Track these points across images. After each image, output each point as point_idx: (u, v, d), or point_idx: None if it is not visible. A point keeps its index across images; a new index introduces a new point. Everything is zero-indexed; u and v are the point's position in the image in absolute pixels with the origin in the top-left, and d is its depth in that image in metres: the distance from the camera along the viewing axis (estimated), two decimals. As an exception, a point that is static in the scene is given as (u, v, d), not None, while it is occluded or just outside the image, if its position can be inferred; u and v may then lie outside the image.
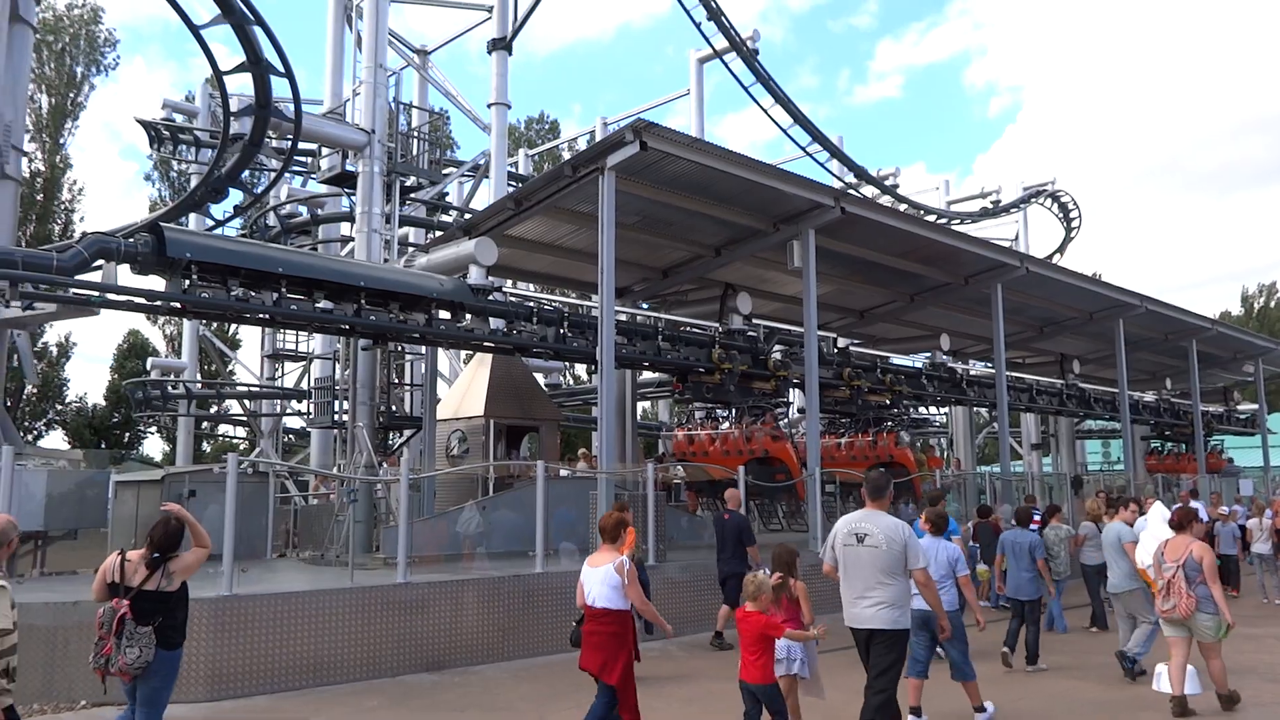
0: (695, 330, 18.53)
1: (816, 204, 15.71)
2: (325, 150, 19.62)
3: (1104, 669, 10.33)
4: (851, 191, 28.43)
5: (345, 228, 24.63)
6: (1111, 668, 10.20)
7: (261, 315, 13.26)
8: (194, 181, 25.72)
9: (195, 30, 14.23)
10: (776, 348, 18.55)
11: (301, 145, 19.55)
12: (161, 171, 46.38)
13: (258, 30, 14.32)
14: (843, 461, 20.89)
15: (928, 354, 24.96)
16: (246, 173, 19.67)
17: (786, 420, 25.56)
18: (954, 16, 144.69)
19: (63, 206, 40.91)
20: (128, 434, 44.22)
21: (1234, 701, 8.38)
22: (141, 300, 12.42)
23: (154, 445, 48.05)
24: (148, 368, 34.60)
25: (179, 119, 30.73)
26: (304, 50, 71.73)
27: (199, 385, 32.30)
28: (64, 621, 9.12)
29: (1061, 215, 41.72)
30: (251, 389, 31.41)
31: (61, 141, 40.59)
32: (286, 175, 25.45)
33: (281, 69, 15.14)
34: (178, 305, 12.57)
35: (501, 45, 23.07)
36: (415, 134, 22.40)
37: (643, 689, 7.13)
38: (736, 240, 17.52)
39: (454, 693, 9.43)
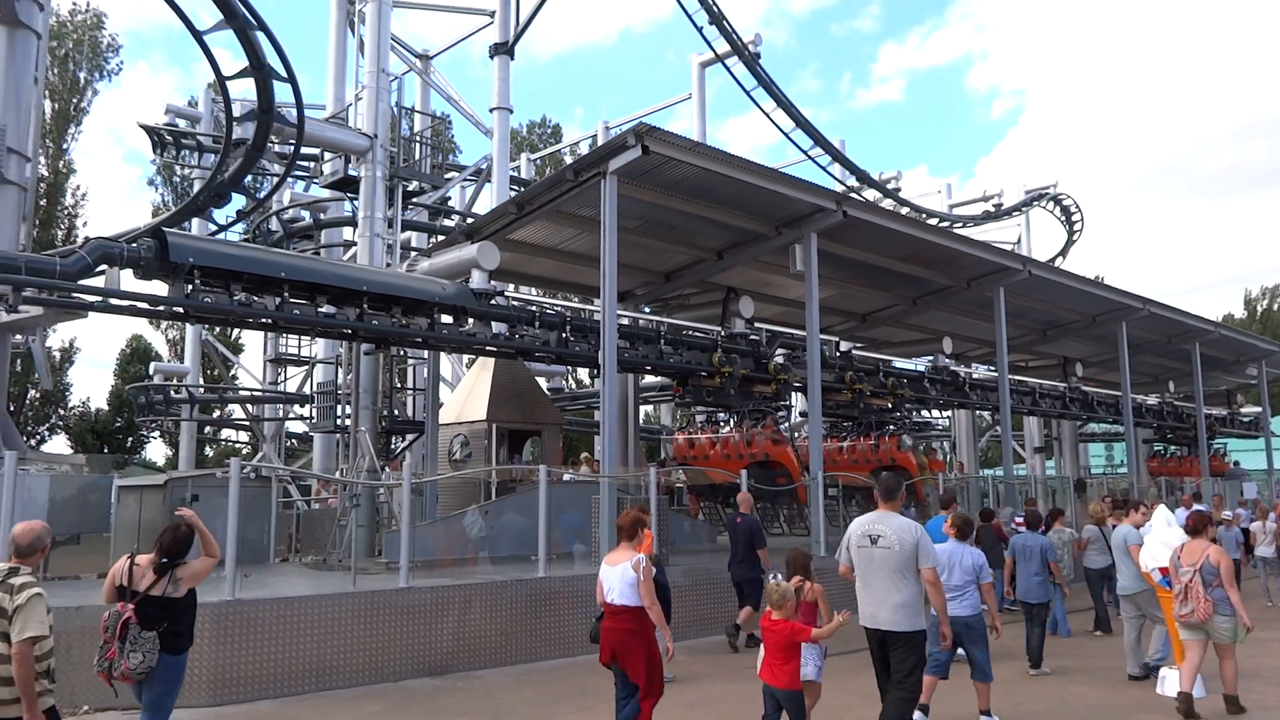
0: (697, 334, 18.53)
1: (818, 208, 15.72)
2: (328, 155, 19.65)
3: (1107, 672, 10.31)
4: (853, 195, 28.44)
5: (348, 232, 24.67)
6: (1115, 671, 10.19)
7: (264, 320, 13.29)
8: (197, 186, 25.75)
9: (198, 35, 14.27)
10: (779, 351, 18.54)
11: (304, 150, 19.57)
12: (164, 176, 46.44)
13: (260, 35, 14.35)
14: (844, 465, 20.87)
15: (930, 357, 24.94)
16: (249, 177, 19.71)
17: (788, 424, 25.53)
18: (956, 20, 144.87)
19: (66, 211, 40.98)
20: (130, 439, 44.21)
21: (1240, 707, 8.36)
22: (144, 305, 12.45)
23: (157, 450, 48.10)
24: (150, 372, 34.59)
25: (182, 124, 30.73)
26: (306, 55, 71.99)
27: (201, 390, 32.30)
28: (67, 626, 9.09)
29: (1064, 218, 41.68)
30: (254, 394, 31.39)
31: (65, 147, 40.69)
32: (289, 180, 25.48)
33: (284, 74, 15.17)
34: (180, 310, 12.60)
35: (503, 50, 23.11)
36: (417, 138, 22.44)
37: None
38: (739, 244, 17.53)
39: (456, 697, 9.42)
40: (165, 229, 12.45)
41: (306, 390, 29.04)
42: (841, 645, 7.49)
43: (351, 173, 19.40)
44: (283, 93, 15.82)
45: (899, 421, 23.12)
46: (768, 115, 29.23)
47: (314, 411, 22.92)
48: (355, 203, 20.47)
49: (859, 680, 7.67)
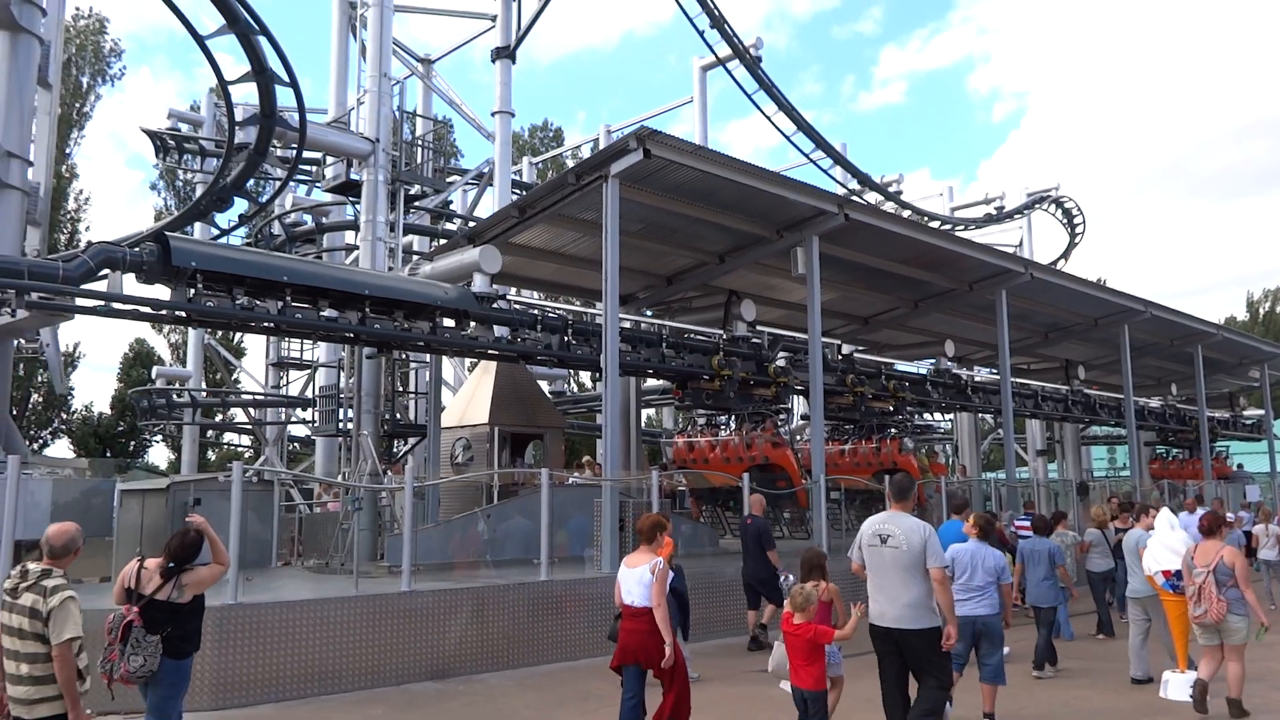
0: (699, 337, 18.54)
1: (820, 211, 15.73)
2: (330, 159, 19.71)
3: (1110, 676, 10.30)
4: (855, 198, 28.43)
5: (350, 236, 24.70)
6: (1118, 674, 10.18)
7: (266, 324, 13.31)
8: (199, 191, 25.84)
9: (200, 40, 14.27)
10: (780, 354, 18.54)
11: (306, 154, 19.57)
12: (167, 181, 46.50)
13: (262, 40, 14.35)
14: (846, 468, 20.86)
15: (932, 360, 24.94)
16: (251, 182, 19.72)
17: (788, 428, 25.53)
18: (957, 23, 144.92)
19: (68, 216, 41.03)
20: (133, 443, 44.23)
21: (1243, 711, 8.36)
22: (147, 309, 12.46)
23: (159, 454, 48.14)
24: (153, 376, 34.64)
25: (184, 128, 30.77)
26: (309, 60, 72.10)
27: (204, 394, 32.30)
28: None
29: (1066, 221, 41.66)
30: (256, 397, 31.41)
31: (67, 151, 40.75)
32: (291, 184, 25.53)
33: (286, 78, 15.17)
34: (183, 314, 12.62)
35: (505, 54, 23.15)
36: (419, 142, 22.47)
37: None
38: (740, 247, 17.54)
39: (458, 701, 9.42)
40: (168, 233, 12.48)
41: (309, 394, 29.07)
42: (847, 647, 7.50)
43: (353, 177, 19.44)
44: (285, 97, 15.81)
45: (901, 424, 23.12)
46: (769, 118, 29.25)
47: (316, 415, 22.94)
48: (357, 207, 20.50)
49: (861, 685, 7.66)
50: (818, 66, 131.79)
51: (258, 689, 9.07)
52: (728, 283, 19.00)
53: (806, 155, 31.15)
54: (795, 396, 24.78)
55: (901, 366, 25.40)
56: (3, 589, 5.36)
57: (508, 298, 16.81)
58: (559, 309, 18.76)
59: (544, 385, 26.41)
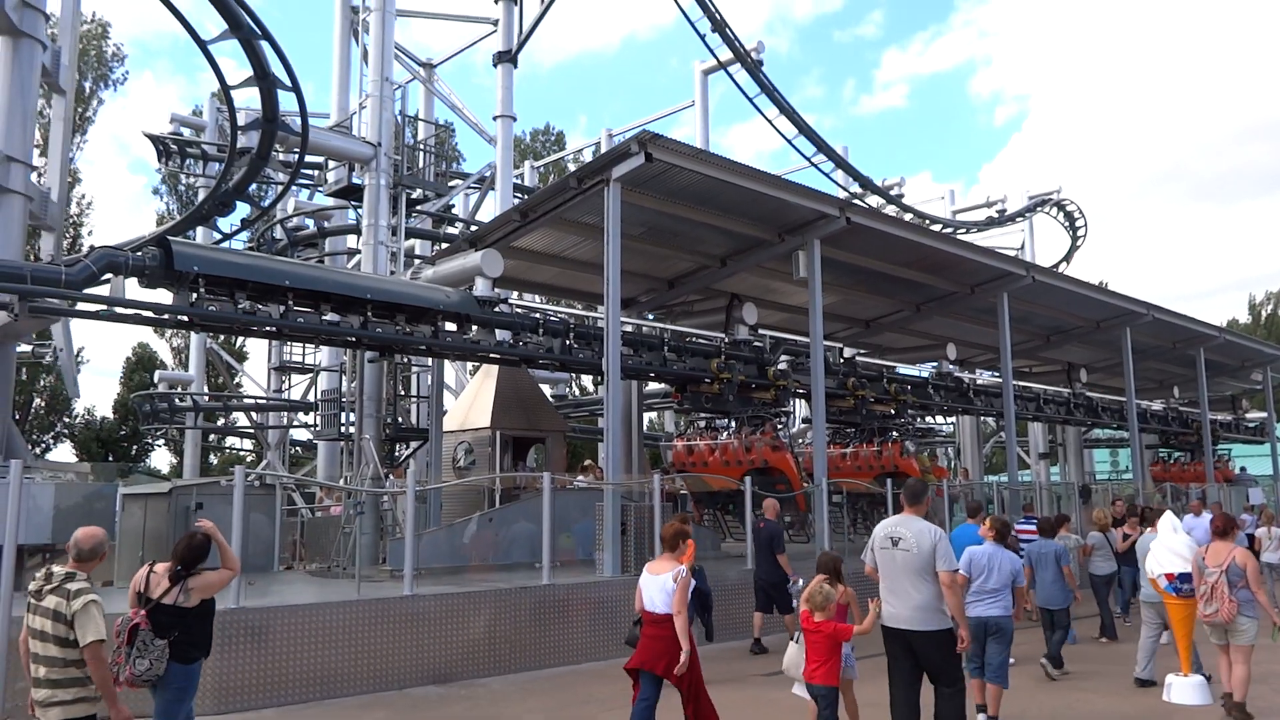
0: (701, 341, 18.54)
1: (822, 214, 15.73)
2: (332, 163, 19.72)
3: (1113, 679, 10.27)
4: (857, 201, 28.43)
5: (352, 240, 24.73)
6: (1121, 678, 10.16)
7: (268, 328, 13.31)
8: (201, 195, 25.87)
9: (203, 45, 14.32)
10: (782, 358, 18.53)
11: (308, 158, 19.63)
12: (169, 185, 46.59)
13: (265, 45, 14.40)
14: (847, 472, 20.85)
15: (934, 363, 24.92)
16: (254, 186, 19.77)
17: (787, 431, 25.50)
18: (959, 26, 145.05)
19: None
20: (135, 447, 44.28)
21: (1246, 714, 8.35)
22: (149, 313, 12.49)
23: (161, 458, 48.19)
24: (155, 380, 34.69)
25: (187, 133, 30.85)
26: (311, 64, 72.20)
27: (206, 398, 32.35)
28: (72, 635, 9.11)
29: (1067, 224, 41.66)
30: (258, 401, 31.44)
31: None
32: (293, 188, 25.57)
33: (288, 83, 15.22)
34: (185, 318, 12.64)
35: (507, 58, 23.19)
36: (421, 147, 22.50)
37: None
38: (742, 251, 17.54)
39: (461, 705, 9.41)
40: (170, 237, 12.51)
41: (311, 398, 29.09)
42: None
43: (355, 181, 19.45)
44: (287, 101, 15.87)
45: (902, 428, 23.11)
46: (770, 122, 29.30)
47: (318, 419, 22.97)
48: (359, 211, 20.53)
49: (867, 688, 7.65)
50: (819, 70, 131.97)
51: (260, 693, 9.07)
52: (729, 286, 19.00)
53: (808, 159, 31.18)
54: (796, 400, 24.74)
55: (903, 370, 25.38)
56: (28, 591, 5.48)
57: (509, 302, 16.80)
58: (561, 313, 18.78)
59: (546, 389, 26.43)
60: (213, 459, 42.96)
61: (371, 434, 16.64)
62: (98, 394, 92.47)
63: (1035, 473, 37.67)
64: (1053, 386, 28.87)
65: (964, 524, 12.15)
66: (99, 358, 64.02)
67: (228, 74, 15.47)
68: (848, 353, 23.37)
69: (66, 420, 42.84)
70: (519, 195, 27.28)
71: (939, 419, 35.30)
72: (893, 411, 22.00)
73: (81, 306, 12.68)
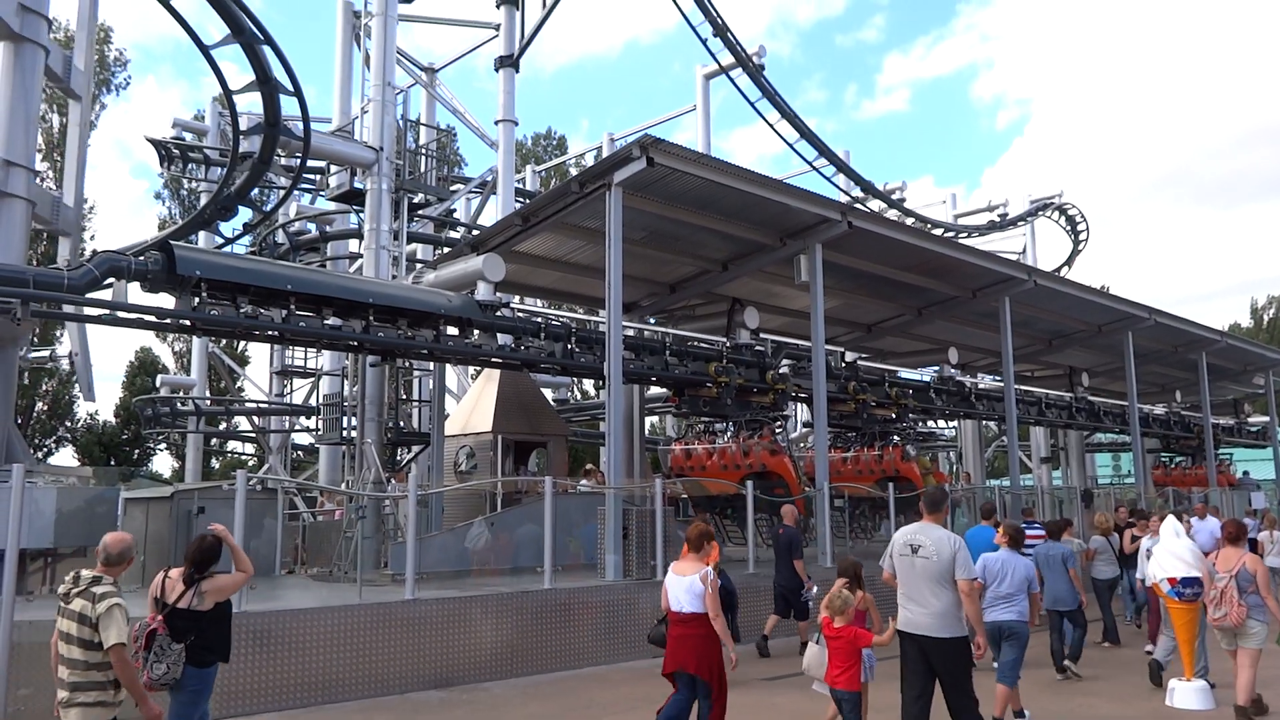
0: (702, 345, 18.53)
1: (823, 218, 15.74)
2: (334, 168, 19.79)
3: (1117, 684, 10.26)
4: (858, 206, 28.46)
5: (354, 245, 24.75)
6: (1123, 682, 10.15)
7: (270, 332, 13.33)
8: (204, 199, 25.86)
9: (205, 50, 14.36)
10: (784, 362, 18.51)
11: (310, 163, 19.68)
12: (171, 190, 46.69)
13: (267, 50, 14.44)
14: (848, 476, 20.80)
15: (936, 367, 24.91)
16: (256, 190, 19.79)
17: (785, 435, 25.47)
18: (961, 30, 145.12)
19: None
20: (137, 451, 44.33)
21: (1249, 718, 8.36)
22: (151, 318, 12.50)
23: (163, 462, 48.21)
24: (157, 385, 34.72)
25: (189, 137, 30.95)
26: (313, 69, 72.34)
27: (208, 402, 32.38)
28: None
29: (1069, 228, 41.67)
30: (260, 405, 31.47)
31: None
32: (295, 193, 25.60)
33: (290, 88, 15.26)
34: (187, 322, 12.66)
35: (509, 62, 23.21)
36: (423, 151, 22.54)
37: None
38: (743, 255, 17.55)
39: (462, 710, 9.40)
40: (172, 242, 12.52)
41: (312, 402, 29.13)
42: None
43: (357, 185, 19.50)
44: (289, 106, 15.93)
45: (904, 432, 23.08)
46: (772, 126, 29.30)
47: (320, 423, 22.95)
48: (361, 215, 20.57)
49: (877, 693, 7.64)
50: (821, 74, 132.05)
51: (261, 697, 9.06)
52: (731, 290, 19.01)
53: (809, 163, 31.18)
54: (797, 404, 24.73)
55: (905, 374, 25.36)
56: (58, 594, 5.59)
57: (511, 306, 16.81)
58: (562, 317, 18.76)
59: (547, 393, 26.43)
60: (215, 463, 43.00)
61: (373, 438, 16.64)
62: (100, 398, 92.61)
63: (1037, 477, 37.65)
64: (1055, 391, 28.85)
65: (977, 525, 12.19)
66: (101, 362, 64.33)
67: (230, 79, 15.54)
68: (849, 357, 23.36)
69: (69, 424, 42.89)
70: (520, 200, 27.29)
71: (941, 423, 35.28)
72: (894, 415, 21.98)
73: (84, 311, 12.69)
